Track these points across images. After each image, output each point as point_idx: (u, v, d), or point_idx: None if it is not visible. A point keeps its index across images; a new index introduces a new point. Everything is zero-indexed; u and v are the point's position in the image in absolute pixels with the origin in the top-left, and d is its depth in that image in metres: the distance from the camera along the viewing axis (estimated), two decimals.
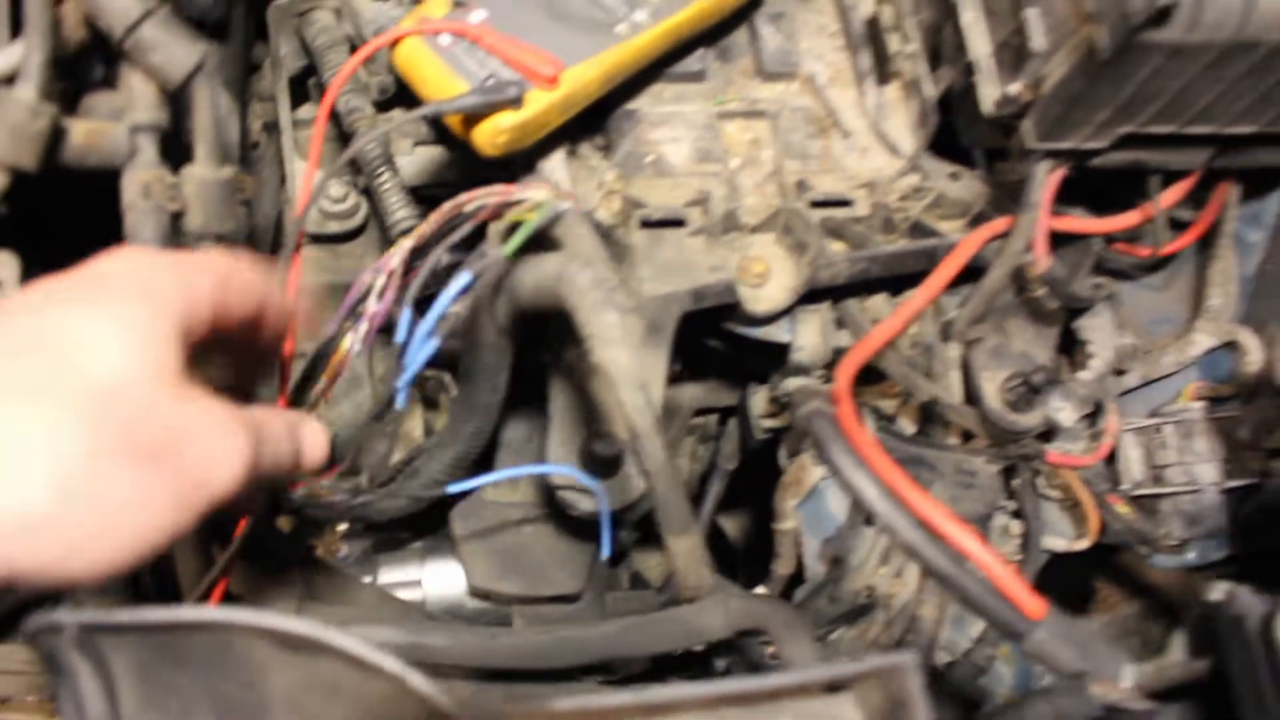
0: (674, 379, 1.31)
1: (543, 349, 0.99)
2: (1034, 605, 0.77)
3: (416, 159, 1.27)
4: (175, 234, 0.74)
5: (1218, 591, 0.73)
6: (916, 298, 0.97)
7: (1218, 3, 0.79)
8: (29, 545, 0.47)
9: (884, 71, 1.08)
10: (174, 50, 0.71)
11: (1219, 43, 0.81)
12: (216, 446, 0.53)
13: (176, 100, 0.91)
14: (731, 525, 1.52)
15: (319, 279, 1.22)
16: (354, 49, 1.21)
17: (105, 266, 0.55)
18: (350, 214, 1.21)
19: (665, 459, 0.78)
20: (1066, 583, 1.62)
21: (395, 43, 0.92)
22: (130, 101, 0.74)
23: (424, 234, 0.84)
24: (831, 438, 0.78)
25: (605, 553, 0.92)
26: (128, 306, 0.52)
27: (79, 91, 0.76)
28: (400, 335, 0.83)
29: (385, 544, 1.18)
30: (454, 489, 0.92)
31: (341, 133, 1.20)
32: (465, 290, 0.79)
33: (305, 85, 1.27)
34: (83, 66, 0.76)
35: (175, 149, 0.78)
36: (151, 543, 0.51)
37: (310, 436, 0.69)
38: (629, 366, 0.74)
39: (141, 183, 0.73)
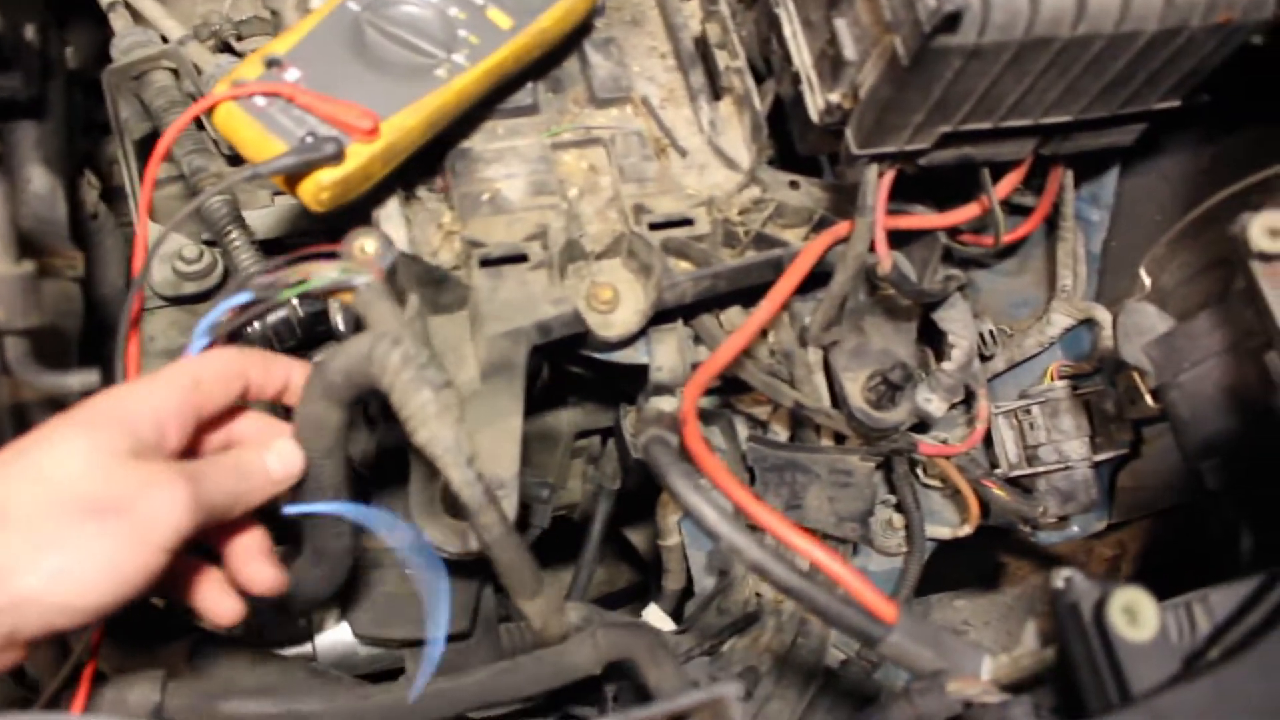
0: (550, 405, 1.31)
1: None
2: (886, 609, 0.77)
3: (275, 210, 1.26)
4: None
5: (1059, 579, 0.74)
6: (761, 310, 0.98)
7: (1004, 5, 0.80)
8: (16, 582, 0.62)
9: (715, 88, 1.09)
10: None
11: (1013, 42, 0.82)
12: (157, 496, 0.67)
13: None
14: (638, 537, 1.53)
15: (179, 341, 1.21)
16: None
17: (91, 400, 0.70)
18: (206, 273, 1.20)
19: (503, 530, 0.78)
20: (976, 562, 1.65)
21: (214, 107, 0.91)
22: None
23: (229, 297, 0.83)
24: (668, 465, 0.79)
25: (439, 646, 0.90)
26: (89, 430, 0.67)
27: None
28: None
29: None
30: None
31: (191, 192, 1.19)
32: (243, 305, 0.81)
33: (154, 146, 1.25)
34: None
35: None
36: (123, 580, 0.65)
37: (276, 457, 0.78)
38: (450, 442, 0.73)
39: None
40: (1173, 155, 1.16)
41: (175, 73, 1.22)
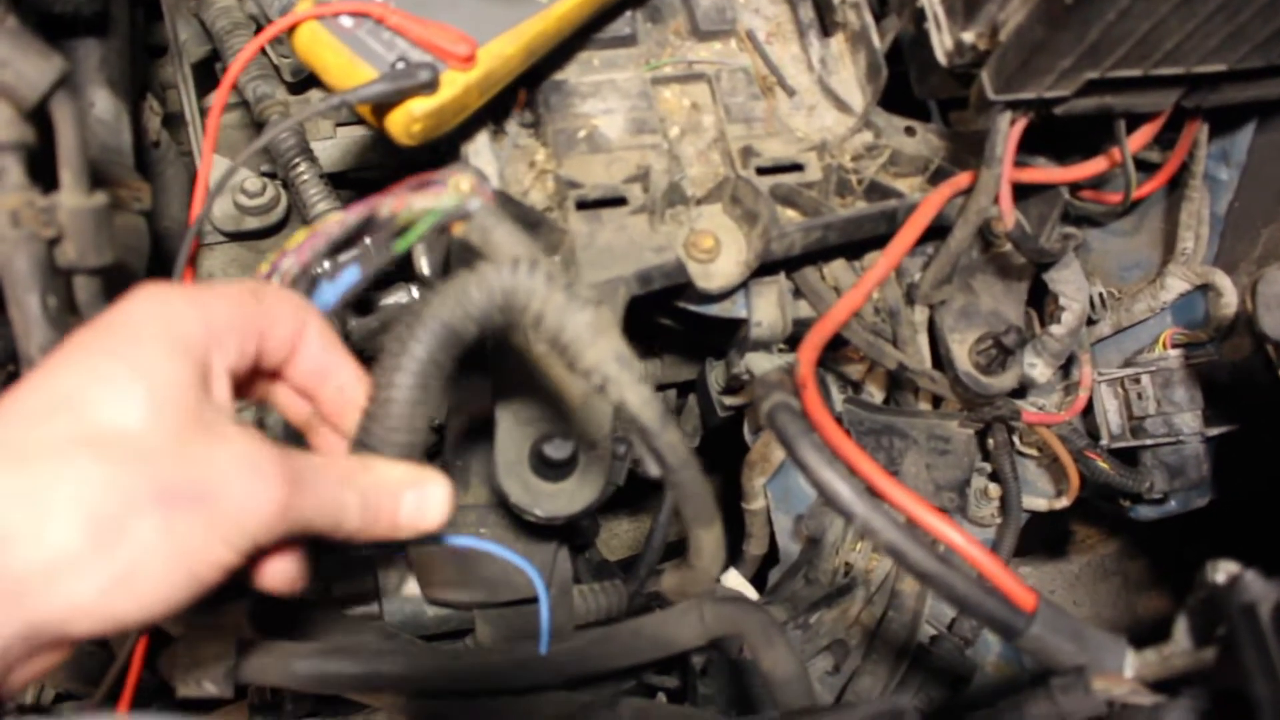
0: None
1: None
2: (1025, 597, 0.71)
3: (339, 142, 1.19)
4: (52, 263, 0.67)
5: (1221, 573, 0.68)
6: (879, 265, 0.90)
7: None
8: (63, 588, 0.49)
9: (828, 23, 1.01)
10: (23, 67, 0.62)
11: None
12: (245, 489, 0.53)
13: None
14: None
15: (242, 277, 1.15)
16: (260, 29, 1.12)
17: (126, 311, 0.55)
18: (269, 208, 1.13)
19: (687, 453, 0.70)
20: (1043, 529, 1.60)
21: (294, 27, 0.84)
22: None
23: (324, 232, 0.76)
24: (798, 436, 0.72)
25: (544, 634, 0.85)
26: (145, 353, 0.54)
27: None
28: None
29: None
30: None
31: (255, 121, 1.12)
32: (354, 285, 0.72)
33: (214, 70, 1.18)
34: None
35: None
36: (192, 579, 0.52)
37: (419, 500, 0.64)
38: (624, 361, 0.66)
39: (9, 209, 0.65)
40: None
41: None
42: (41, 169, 0.68)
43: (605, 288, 0.88)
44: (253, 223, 1.12)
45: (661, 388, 1.24)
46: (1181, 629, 0.75)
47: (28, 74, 0.64)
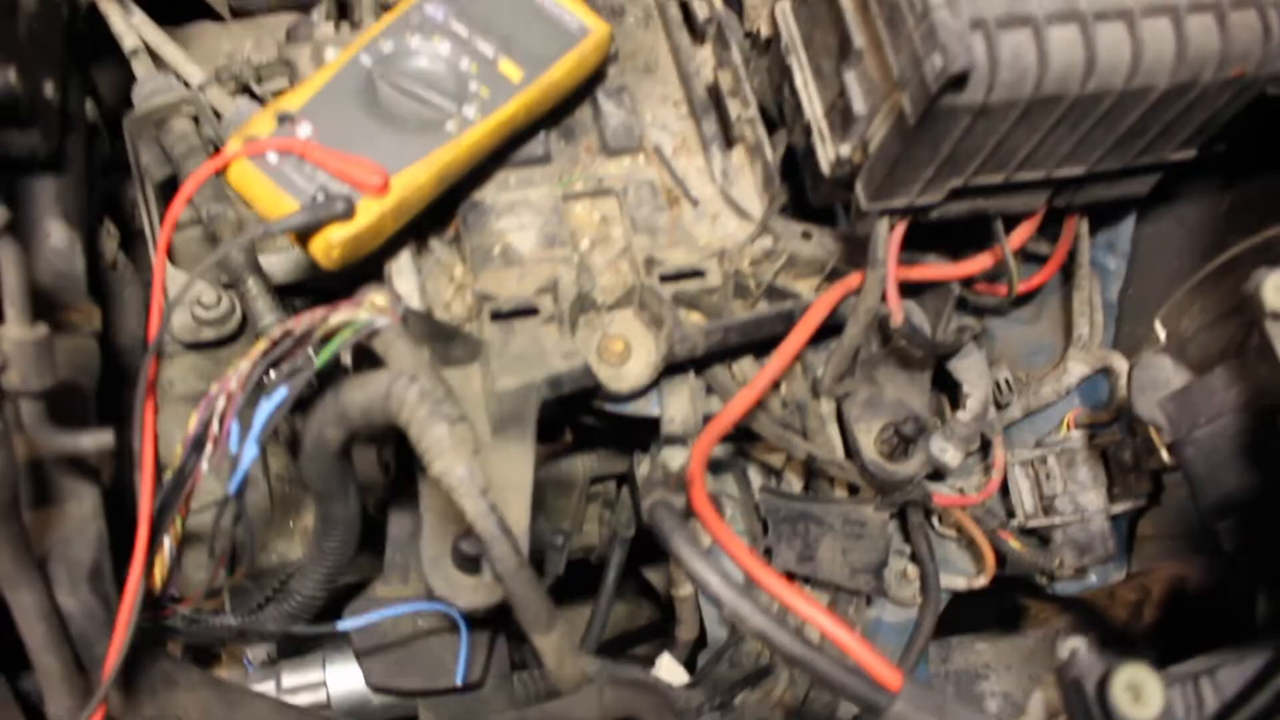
0: (565, 450, 1.31)
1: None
2: (890, 677, 0.77)
3: (294, 255, 1.27)
4: None
5: (1065, 648, 0.73)
6: (771, 365, 0.97)
7: (1012, 64, 0.80)
8: None
9: (728, 136, 1.09)
10: None
11: (1022, 99, 0.82)
12: None
13: None
14: (657, 577, 1.52)
15: (198, 387, 1.22)
16: (217, 150, 1.21)
17: None
18: (224, 319, 1.21)
19: (517, 562, 0.78)
20: (997, 604, 1.64)
21: (227, 164, 0.92)
22: None
23: (256, 357, 0.84)
24: (672, 531, 0.78)
25: (459, 678, 0.92)
26: None
27: None
28: (232, 447, 0.83)
29: (289, 648, 1.18)
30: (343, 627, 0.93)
31: (210, 237, 1.20)
32: (284, 402, 0.80)
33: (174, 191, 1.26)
34: None
35: None
36: None
37: None
38: (464, 474, 0.74)
39: None
40: (1190, 202, 1.15)
41: (196, 119, 1.24)
42: None
43: (518, 393, 0.95)
44: (209, 333, 1.20)
45: (597, 479, 1.30)
46: (1036, 703, 0.80)
47: None
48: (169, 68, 1.30)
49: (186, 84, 1.27)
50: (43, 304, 0.92)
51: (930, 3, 0.79)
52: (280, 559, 1.28)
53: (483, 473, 0.75)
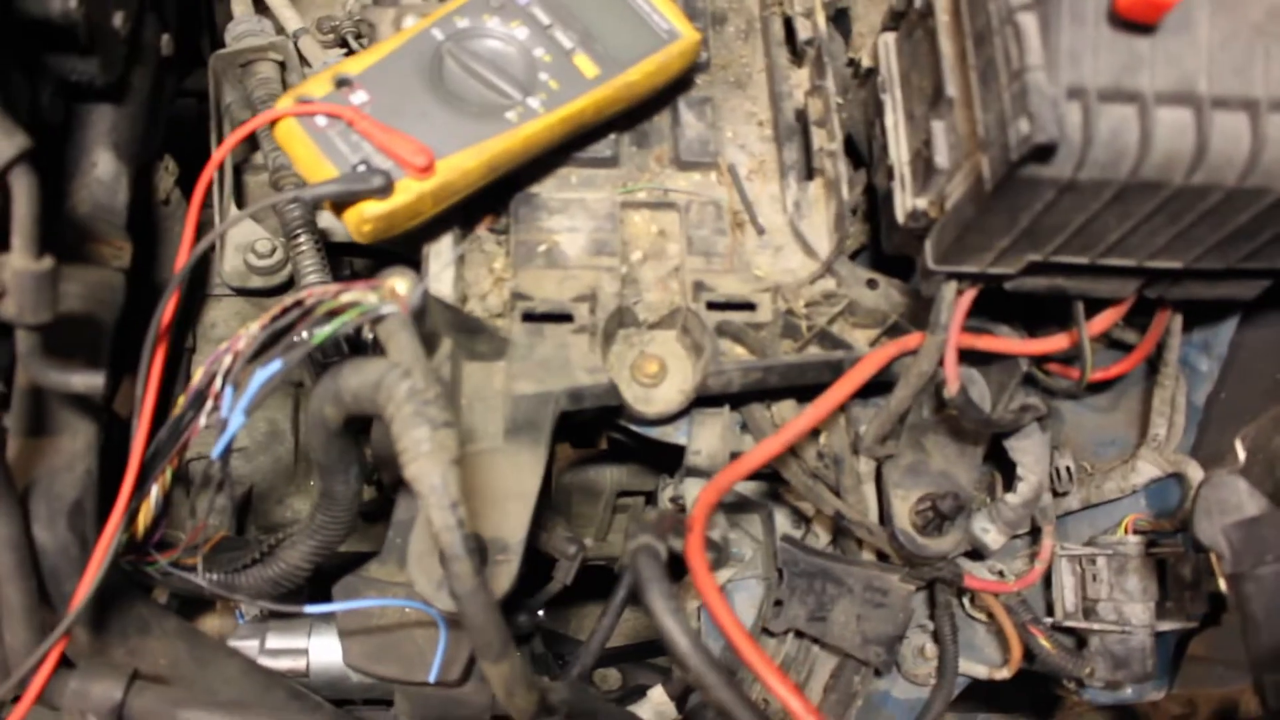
0: (597, 458, 1.27)
1: None
2: None
3: None
4: None
5: None
6: (805, 416, 0.91)
7: (1109, 142, 0.72)
8: None
9: (809, 166, 1.02)
10: None
11: (1116, 181, 0.74)
12: None
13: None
14: None
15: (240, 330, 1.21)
16: None
17: None
18: (275, 269, 1.20)
19: (475, 584, 0.74)
20: (1032, 687, 1.55)
21: (275, 121, 0.90)
22: None
23: (265, 321, 0.81)
24: (650, 581, 0.74)
25: (432, 676, 0.88)
26: None
27: None
28: (224, 411, 0.81)
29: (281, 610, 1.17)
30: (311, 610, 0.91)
31: (274, 187, 1.19)
32: (274, 376, 0.77)
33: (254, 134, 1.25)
34: None
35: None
36: None
37: None
38: (436, 482, 0.70)
39: None
40: None
41: (282, 64, 1.22)
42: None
43: (535, 400, 0.91)
44: (258, 281, 1.18)
45: (625, 494, 1.25)
46: None
47: None
48: (269, 11, 1.28)
49: (281, 30, 1.26)
50: (75, 233, 0.91)
51: (1028, 62, 0.71)
52: (294, 514, 1.27)
53: (458, 485, 0.70)
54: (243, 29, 1.21)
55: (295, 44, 1.24)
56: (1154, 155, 0.73)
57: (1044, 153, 0.72)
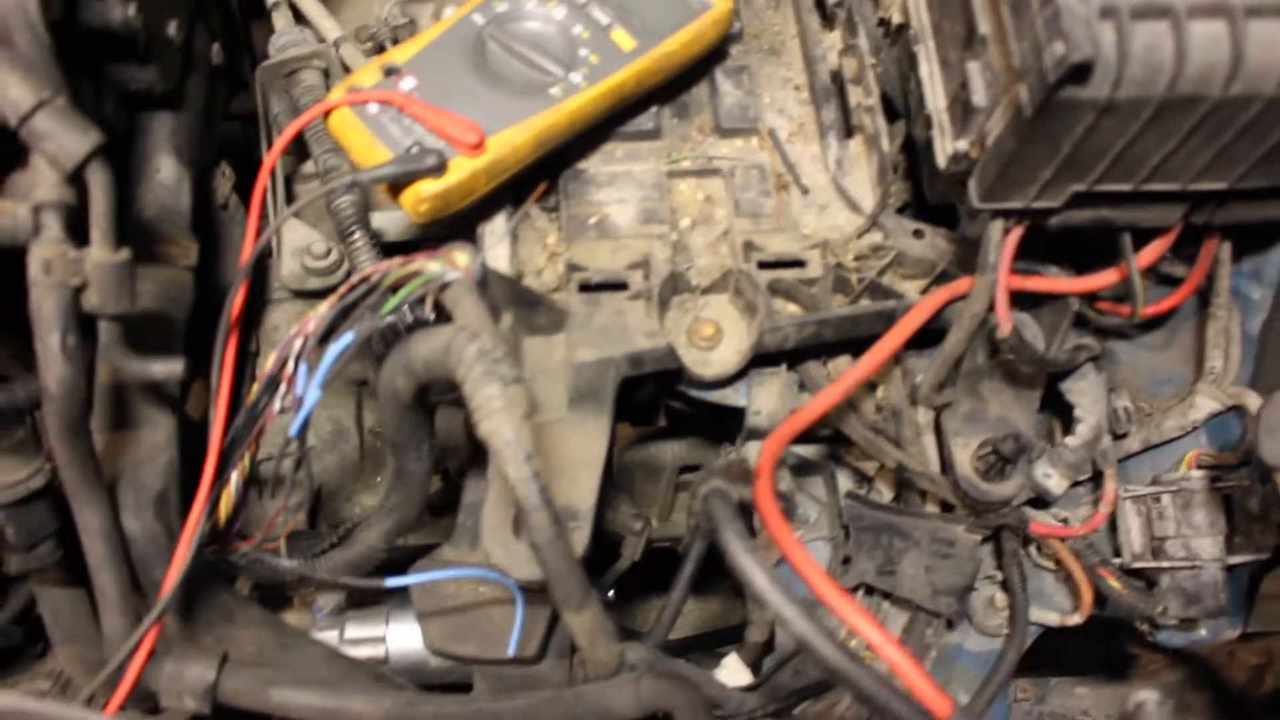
0: (657, 435, 1.29)
1: None
2: (940, 704, 0.72)
3: (403, 214, 1.28)
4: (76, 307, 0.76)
5: (1133, 700, 0.67)
6: (860, 365, 0.92)
7: (1144, 58, 0.73)
8: None
9: (848, 125, 1.04)
10: (64, 140, 0.72)
11: (1153, 99, 0.75)
12: None
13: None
14: None
15: None
16: None
17: None
18: (332, 270, 1.22)
19: (554, 533, 0.76)
20: (1107, 647, 1.54)
21: (329, 111, 0.93)
22: (35, 181, 0.75)
23: (333, 300, 0.84)
24: (722, 521, 0.75)
25: (510, 650, 0.90)
26: None
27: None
28: (299, 389, 0.83)
29: (357, 599, 1.19)
30: (391, 583, 0.93)
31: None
32: (348, 347, 0.80)
33: (302, 139, 1.29)
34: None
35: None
36: None
37: None
38: (510, 437, 0.72)
39: (43, 259, 0.74)
40: None
41: (326, 72, 1.26)
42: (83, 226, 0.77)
43: (596, 367, 0.93)
44: (316, 282, 1.21)
45: (686, 469, 1.27)
46: None
47: (67, 145, 0.74)
48: (309, 22, 1.32)
49: (322, 39, 1.29)
50: (143, 234, 0.95)
51: None
52: (363, 511, 1.30)
53: (531, 439, 0.72)
54: (286, 40, 1.25)
55: (337, 51, 1.28)
56: (1190, 68, 0.74)
57: (1081, 72, 0.73)
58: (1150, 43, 0.74)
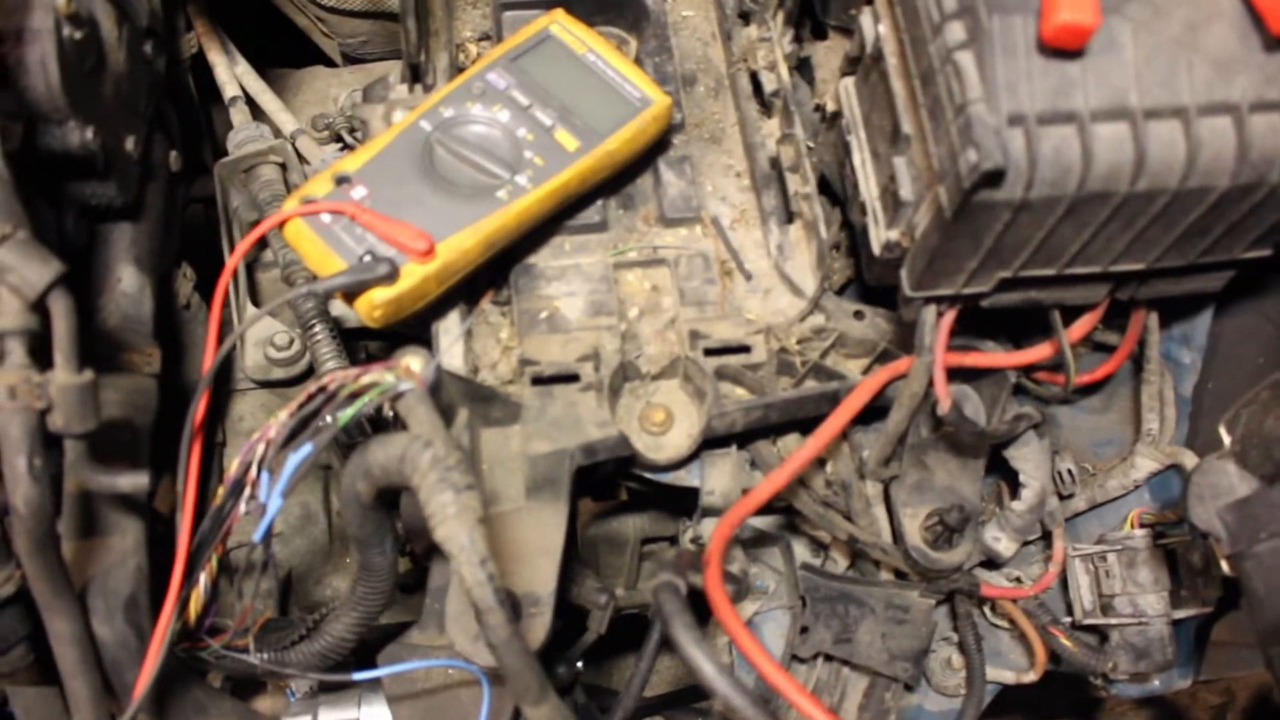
0: (619, 509, 1.32)
1: None
2: None
3: None
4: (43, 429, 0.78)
5: None
6: (807, 446, 0.95)
7: (1053, 161, 0.77)
8: None
9: (788, 211, 1.08)
10: (26, 272, 0.76)
11: (1065, 197, 0.79)
12: None
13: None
14: None
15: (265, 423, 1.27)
16: None
17: None
18: (295, 360, 1.26)
19: (509, 632, 0.78)
20: (1070, 692, 1.57)
21: (283, 222, 0.96)
22: None
23: (293, 409, 0.87)
24: (673, 614, 0.78)
25: None
26: None
27: None
28: (262, 496, 0.86)
29: (332, 682, 1.21)
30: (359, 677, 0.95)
31: (286, 282, 1.25)
32: (306, 458, 0.82)
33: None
34: None
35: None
36: None
37: None
38: (465, 541, 0.75)
39: (8, 385, 0.77)
40: (1277, 294, 1.09)
41: (283, 166, 1.29)
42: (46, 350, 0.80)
43: (552, 458, 0.96)
44: (279, 373, 1.25)
45: (650, 540, 1.30)
46: None
47: (30, 277, 0.77)
48: (265, 115, 1.36)
49: (279, 132, 1.33)
50: (106, 344, 0.98)
51: (968, 96, 0.77)
52: (334, 593, 1.32)
53: (485, 543, 0.75)
54: (243, 136, 1.29)
55: (293, 144, 1.32)
56: (1097, 168, 0.78)
57: (993, 178, 0.77)
58: (1058, 145, 0.78)
